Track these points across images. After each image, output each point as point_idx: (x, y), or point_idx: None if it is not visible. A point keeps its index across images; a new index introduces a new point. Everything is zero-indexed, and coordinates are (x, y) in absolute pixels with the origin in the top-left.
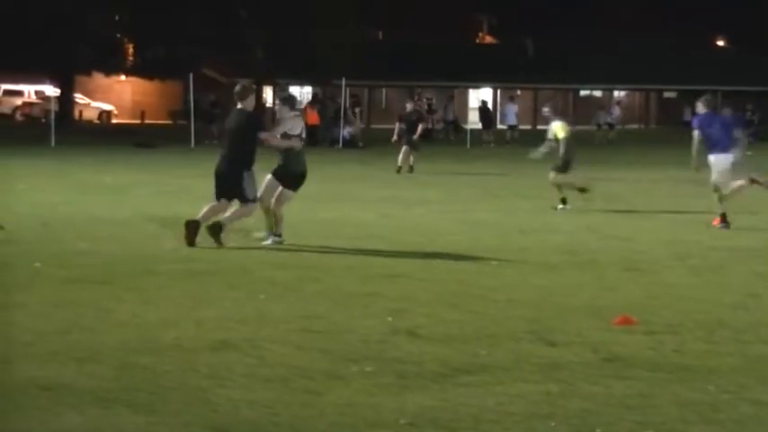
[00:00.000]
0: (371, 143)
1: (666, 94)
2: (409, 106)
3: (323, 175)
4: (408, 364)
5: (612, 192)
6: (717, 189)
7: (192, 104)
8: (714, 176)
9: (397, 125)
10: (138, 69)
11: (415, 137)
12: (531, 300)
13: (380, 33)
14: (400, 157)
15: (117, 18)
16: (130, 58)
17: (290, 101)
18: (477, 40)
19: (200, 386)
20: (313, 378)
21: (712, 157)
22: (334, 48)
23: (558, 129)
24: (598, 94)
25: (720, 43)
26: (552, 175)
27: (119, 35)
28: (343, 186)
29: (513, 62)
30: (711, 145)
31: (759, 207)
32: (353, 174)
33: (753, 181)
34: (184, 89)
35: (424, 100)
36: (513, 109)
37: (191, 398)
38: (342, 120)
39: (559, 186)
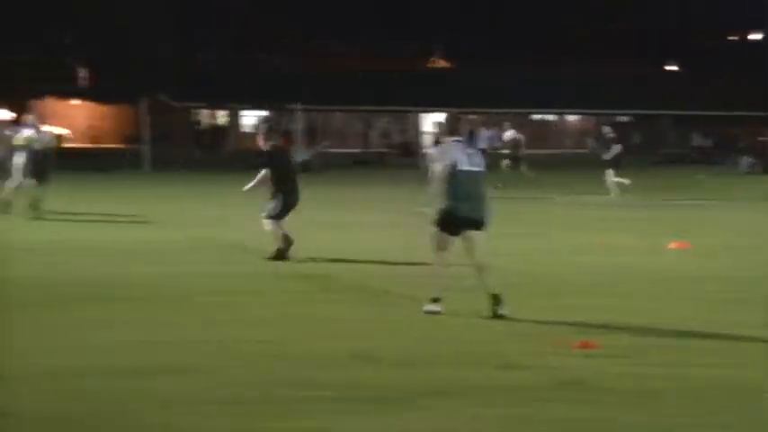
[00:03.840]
0: (327, 167)
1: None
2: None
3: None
4: (370, 389)
5: (569, 217)
6: None
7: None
8: None
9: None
10: (92, 93)
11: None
12: (489, 324)
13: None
14: None
15: (68, 42)
16: (84, 83)
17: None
18: (429, 65)
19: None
20: (274, 403)
21: None
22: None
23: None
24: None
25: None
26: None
27: (70, 59)
28: (300, 211)
29: (465, 87)
30: None
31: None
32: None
33: None
34: (138, 114)
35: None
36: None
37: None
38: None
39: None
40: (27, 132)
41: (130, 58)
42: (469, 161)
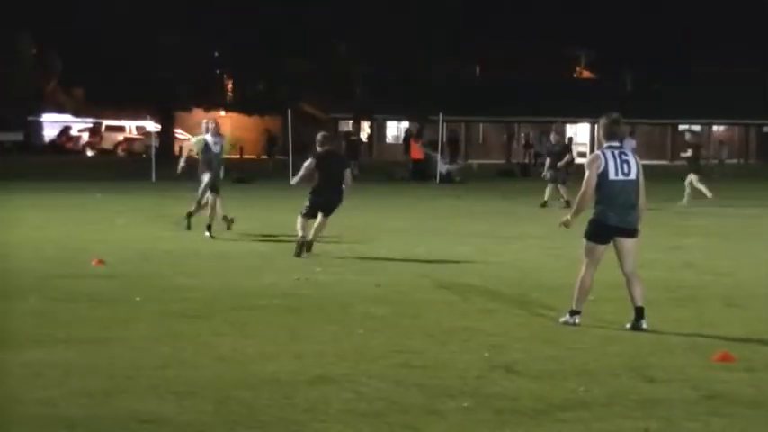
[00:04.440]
0: (468, 178)
1: (766, 129)
2: (553, 138)
3: (420, 210)
4: (505, 400)
5: (711, 226)
6: None
7: (290, 140)
8: None
9: (547, 160)
10: (238, 105)
11: (560, 166)
12: (629, 335)
13: (477, 69)
14: (546, 191)
15: (216, 54)
16: (230, 94)
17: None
18: (575, 75)
19: (298, 420)
20: (410, 413)
21: None
22: (434, 83)
23: None
24: (697, 128)
25: None
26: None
27: (218, 71)
28: (440, 222)
29: (610, 97)
30: None
31: None
32: (450, 209)
33: None
34: (283, 125)
35: (523, 135)
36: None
37: None
38: (439, 155)
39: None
40: (210, 139)
41: (279, 70)
42: (622, 168)
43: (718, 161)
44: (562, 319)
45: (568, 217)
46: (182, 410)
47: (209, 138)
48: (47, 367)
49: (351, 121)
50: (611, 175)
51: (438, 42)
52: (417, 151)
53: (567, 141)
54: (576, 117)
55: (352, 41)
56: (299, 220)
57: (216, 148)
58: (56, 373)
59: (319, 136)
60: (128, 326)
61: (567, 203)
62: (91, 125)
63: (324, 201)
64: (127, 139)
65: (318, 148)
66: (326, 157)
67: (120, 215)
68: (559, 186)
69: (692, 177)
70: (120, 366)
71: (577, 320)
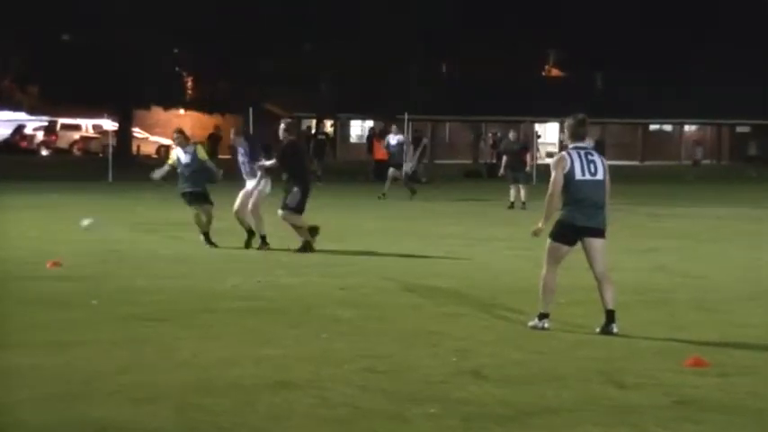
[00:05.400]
0: (434, 179)
1: (739, 129)
2: (512, 135)
3: (386, 212)
4: (473, 406)
5: (682, 228)
6: None
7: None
8: None
9: (504, 158)
10: (198, 103)
11: (527, 169)
12: (600, 339)
13: (443, 66)
14: (511, 192)
15: (176, 51)
16: (190, 92)
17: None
18: (544, 73)
19: (260, 427)
20: (375, 419)
21: None
22: (399, 82)
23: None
24: (668, 128)
25: None
26: None
27: (178, 69)
28: (407, 223)
29: (580, 96)
30: None
31: None
32: (417, 210)
33: None
34: (245, 124)
35: (490, 135)
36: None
37: None
38: (405, 155)
39: None
40: (179, 151)
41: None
42: (589, 168)
43: (692, 162)
44: (531, 324)
45: (539, 225)
46: (140, 417)
47: (178, 151)
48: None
49: (314, 120)
50: (578, 176)
51: (408, 41)
52: (381, 151)
53: (528, 140)
54: (546, 116)
55: (320, 39)
56: (296, 216)
57: (185, 159)
58: (10, 379)
59: (284, 123)
60: (85, 329)
61: (523, 205)
62: (46, 123)
63: (307, 190)
64: (83, 138)
65: (287, 136)
66: (297, 145)
67: (77, 216)
68: (521, 186)
69: None
70: (77, 371)
71: (546, 325)
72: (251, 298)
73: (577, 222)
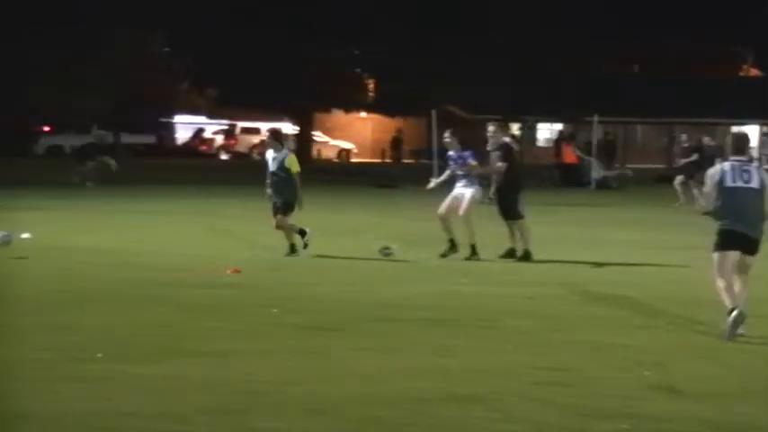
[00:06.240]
0: (626, 184)
1: None
2: (684, 138)
3: (574, 219)
4: (670, 423)
5: None
6: None
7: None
8: None
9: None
10: (379, 106)
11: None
12: None
13: (636, 67)
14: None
15: (357, 53)
16: (371, 95)
17: None
18: (741, 74)
19: None
20: None
21: None
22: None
23: None
24: None
25: None
26: None
27: (359, 71)
28: (595, 230)
29: None
30: None
31: None
32: (604, 217)
33: None
34: (427, 126)
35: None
36: None
37: None
38: (594, 160)
39: None
40: (269, 155)
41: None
42: (741, 176)
43: None
44: (726, 332)
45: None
46: (308, 429)
47: (268, 154)
48: (168, 380)
49: (490, 125)
50: (729, 183)
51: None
52: (570, 155)
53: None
54: (742, 118)
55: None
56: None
57: (273, 165)
58: (178, 386)
59: (493, 126)
60: (263, 338)
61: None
62: (225, 127)
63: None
64: (263, 142)
65: (505, 139)
66: (512, 147)
67: (253, 222)
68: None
69: None
70: (254, 381)
71: (741, 330)
72: (430, 308)
73: (737, 230)
